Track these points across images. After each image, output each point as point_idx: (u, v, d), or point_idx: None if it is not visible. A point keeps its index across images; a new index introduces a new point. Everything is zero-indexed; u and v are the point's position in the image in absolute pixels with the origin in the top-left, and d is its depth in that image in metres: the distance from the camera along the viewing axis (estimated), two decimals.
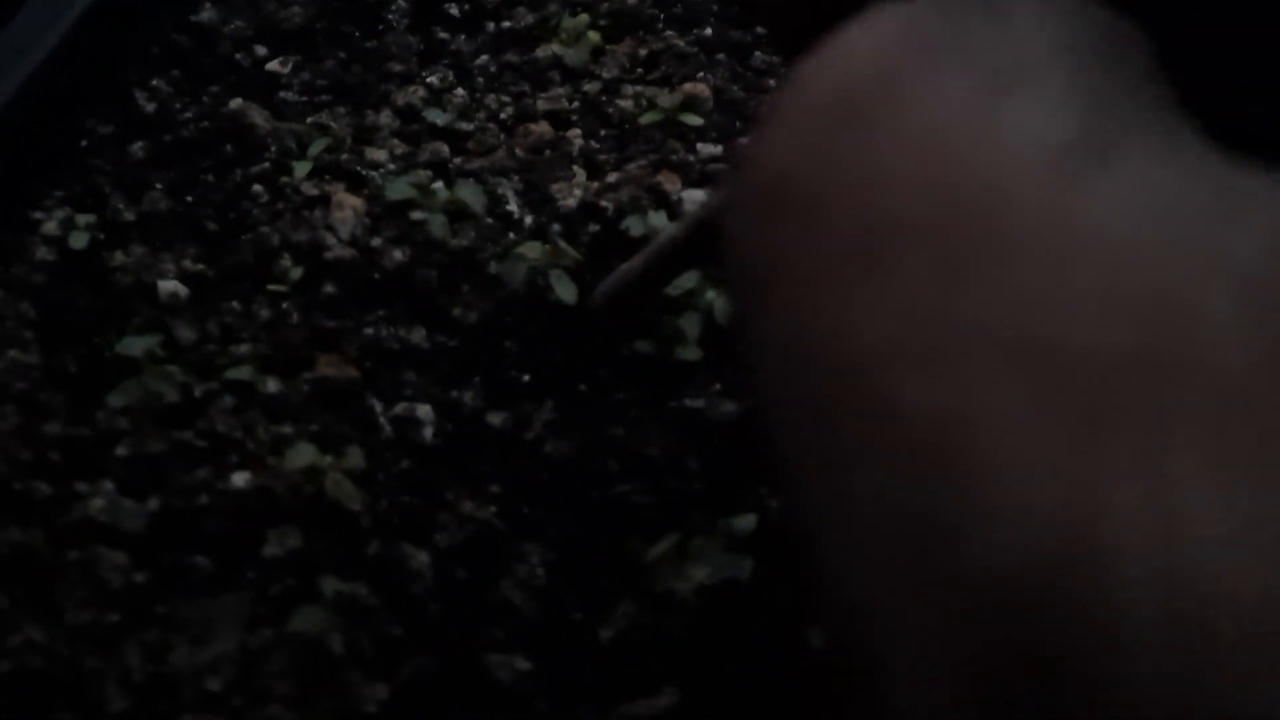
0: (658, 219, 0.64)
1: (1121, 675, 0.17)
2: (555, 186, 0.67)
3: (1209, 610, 0.16)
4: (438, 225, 0.63)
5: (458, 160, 0.69)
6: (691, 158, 0.69)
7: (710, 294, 0.60)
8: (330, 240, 0.63)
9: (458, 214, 0.64)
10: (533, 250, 0.61)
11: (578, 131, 0.71)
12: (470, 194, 0.64)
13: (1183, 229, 0.18)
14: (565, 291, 0.60)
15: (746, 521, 0.52)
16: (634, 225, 0.64)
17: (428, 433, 0.56)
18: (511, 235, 0.64)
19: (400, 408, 0.57)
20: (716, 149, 0.70)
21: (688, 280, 0.60)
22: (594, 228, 0.65)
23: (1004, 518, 0.18)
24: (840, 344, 0.20)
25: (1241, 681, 0.16)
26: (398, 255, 0.63)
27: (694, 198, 0.66)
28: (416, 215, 0.64)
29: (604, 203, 0.66)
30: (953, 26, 0.22)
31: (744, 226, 0.23)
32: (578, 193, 0.66)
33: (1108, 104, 0.20)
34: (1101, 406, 0.17)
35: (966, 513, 0.18)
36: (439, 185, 0.65)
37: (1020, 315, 0.18)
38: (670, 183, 0.67)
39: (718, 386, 0.58)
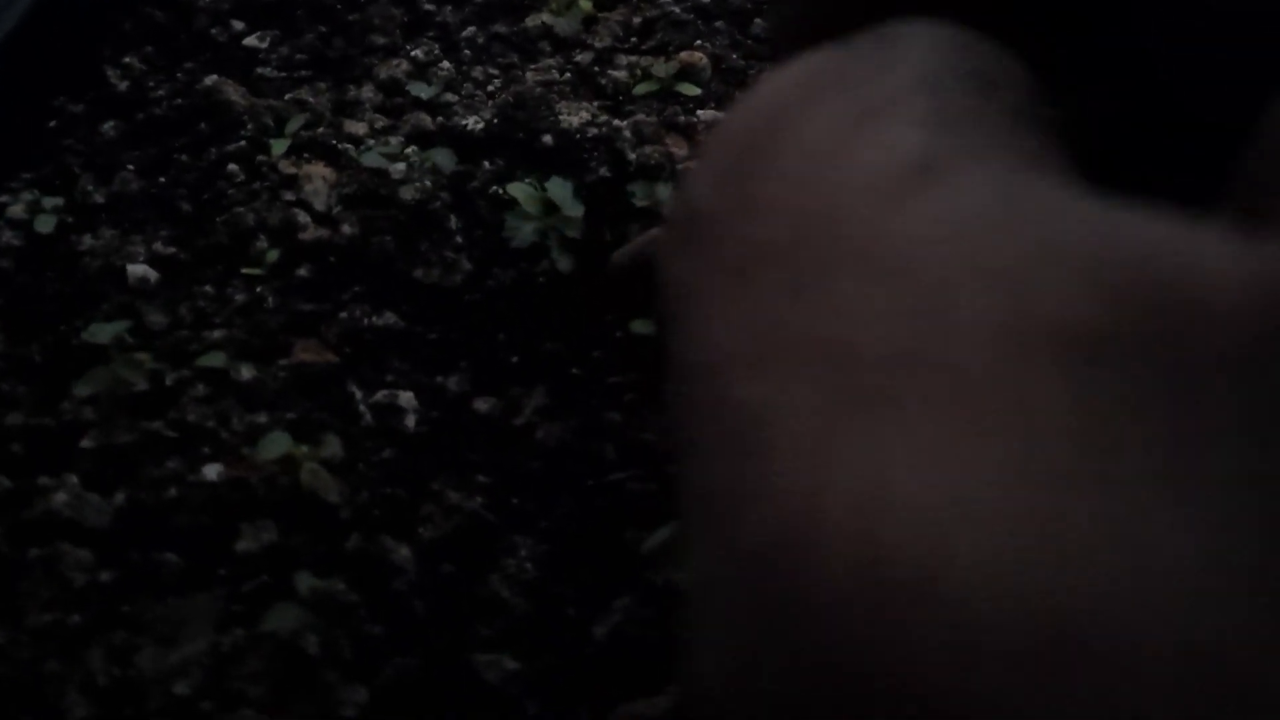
0: (665, 190, 0.61)
1: (829, 645, 0.18)
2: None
3: (899, 575, 0.18)
4: (411, 191, 0.60)
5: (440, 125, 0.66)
6: (695, 120, 0.66)
7: None
8: (306, 220, 0.60)
9: (437, 182, 0.61)
10: (530, 205, 0.58)
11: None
12: (445, 159, 0.61)
13: (971, 241, 0.21)
14: (564, 262, 0.57)
15: None
16: (640, 193, 0.61)
17: (410, 420, 0.53)
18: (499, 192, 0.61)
19: (381, 394, 0.54)
20: (718, 117, 0.67)
21: None
22: (604, 172, 0.62)
23: (764, 492, 0.20)
24: (701, 351, 0.23)
25: (924, 640, 0.18)
26: (377, 233, 0.60)
27: None
28: (398, 190, 0.61)
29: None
30: (840, 68, 0.26)
31: (669, 254, 0.27)
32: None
33: (957, 129, 0.24)
34: (861, 398, 0.20)
35: (751, 487, 0.21)
36: (413, 151, 0.62)
37: (829, 322, 0.21)
38: (678, 146, 0.64)
39: None
